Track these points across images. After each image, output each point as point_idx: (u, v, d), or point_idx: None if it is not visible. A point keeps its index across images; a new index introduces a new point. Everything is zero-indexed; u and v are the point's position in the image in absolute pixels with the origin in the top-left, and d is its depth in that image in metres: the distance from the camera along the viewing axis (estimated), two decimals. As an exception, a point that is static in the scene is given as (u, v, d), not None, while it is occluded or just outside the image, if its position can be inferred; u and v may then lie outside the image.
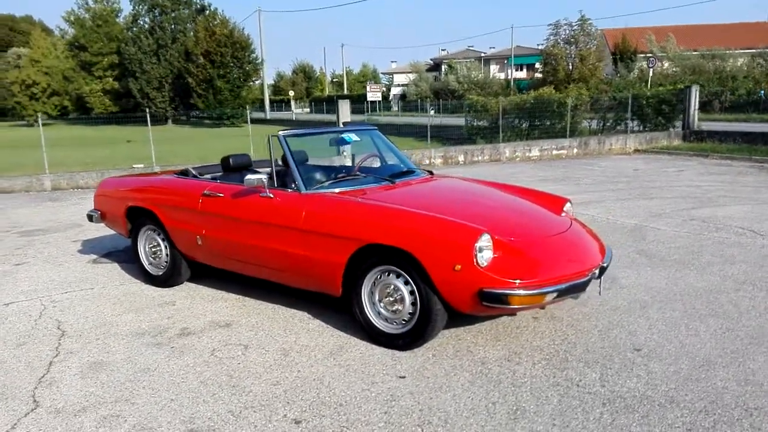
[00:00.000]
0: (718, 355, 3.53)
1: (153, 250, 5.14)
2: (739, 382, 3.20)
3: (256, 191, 4.22)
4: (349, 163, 5.11)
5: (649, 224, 7.07)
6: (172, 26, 44.07)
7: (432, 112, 30.09)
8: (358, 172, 4.65)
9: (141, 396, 3.24)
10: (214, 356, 3.72)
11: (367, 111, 41.01)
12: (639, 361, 3.48)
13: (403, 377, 3.37)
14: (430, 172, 4.91)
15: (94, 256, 6.31)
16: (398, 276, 3.64)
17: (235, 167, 4.96)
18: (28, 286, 5.30)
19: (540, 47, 42.57)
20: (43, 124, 13.28)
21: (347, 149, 4.92)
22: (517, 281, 3.32)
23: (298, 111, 58.20)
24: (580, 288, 3.53)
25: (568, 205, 4.47)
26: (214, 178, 4.97)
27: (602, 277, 3.84)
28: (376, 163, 4.99)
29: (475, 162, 15.41)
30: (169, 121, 44.66)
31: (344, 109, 12.99)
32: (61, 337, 4.10)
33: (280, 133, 4.36)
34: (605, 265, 3.82)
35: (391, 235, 3.53)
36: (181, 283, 5.13)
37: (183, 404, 3.14)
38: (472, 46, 69.33)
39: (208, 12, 44.46)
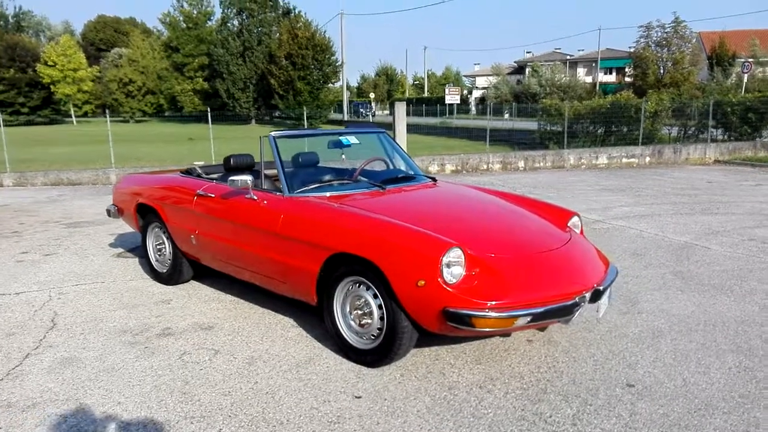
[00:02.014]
0: (722, 399, 3.08)
1: (158, 247, 5.17)
2: (735, 434, 2.76)
3: (241, 193, 4.11)
4: (357, 167, 4.92)
5: (700, 243, 6.44)
6: (258, 29, 45.45)
7: (507, 115, 29.39)
8: (359, 176, 4.46)
9: (93, 396, 3.19)
10: (181, 360, 3.64)
11: (444, 114, 40.61)
12: (627, 399, 3.09)
13: (359, 397, 3.15)
14: (433, 179, 4.64)
15: (121, 250, 6.46)
16: (368, 288, 3.42)
17: (235, 167, 4.90)
18: (46, 276, 5.47)
19: (631, 50, 40.70)
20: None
21: (346, 153, 4.73)
22: (490, 302, 3.02)
23: (378, 113, 58.61)
24: (562, 312, 3.17)
25: (575, 219, 4.08)
26: (217, 178, 4.93)
27: (601, 301, 3.45)
28: (382, 167, 4.79)
29: (536, 168, 14.80)
30: (253, 120, 46.12)
31: (400, 111, 12.82)
32: (49, 330, 4.16)
33: (271, 133, 4.24)
34: (601, 288, 3.41)
35: (358, 244, 3.32)
36: (185, 281, 5.12)
37: (127, 408, 3.06)
38: (559, 49, 67.28)
39: (292, 15, 45.61)
